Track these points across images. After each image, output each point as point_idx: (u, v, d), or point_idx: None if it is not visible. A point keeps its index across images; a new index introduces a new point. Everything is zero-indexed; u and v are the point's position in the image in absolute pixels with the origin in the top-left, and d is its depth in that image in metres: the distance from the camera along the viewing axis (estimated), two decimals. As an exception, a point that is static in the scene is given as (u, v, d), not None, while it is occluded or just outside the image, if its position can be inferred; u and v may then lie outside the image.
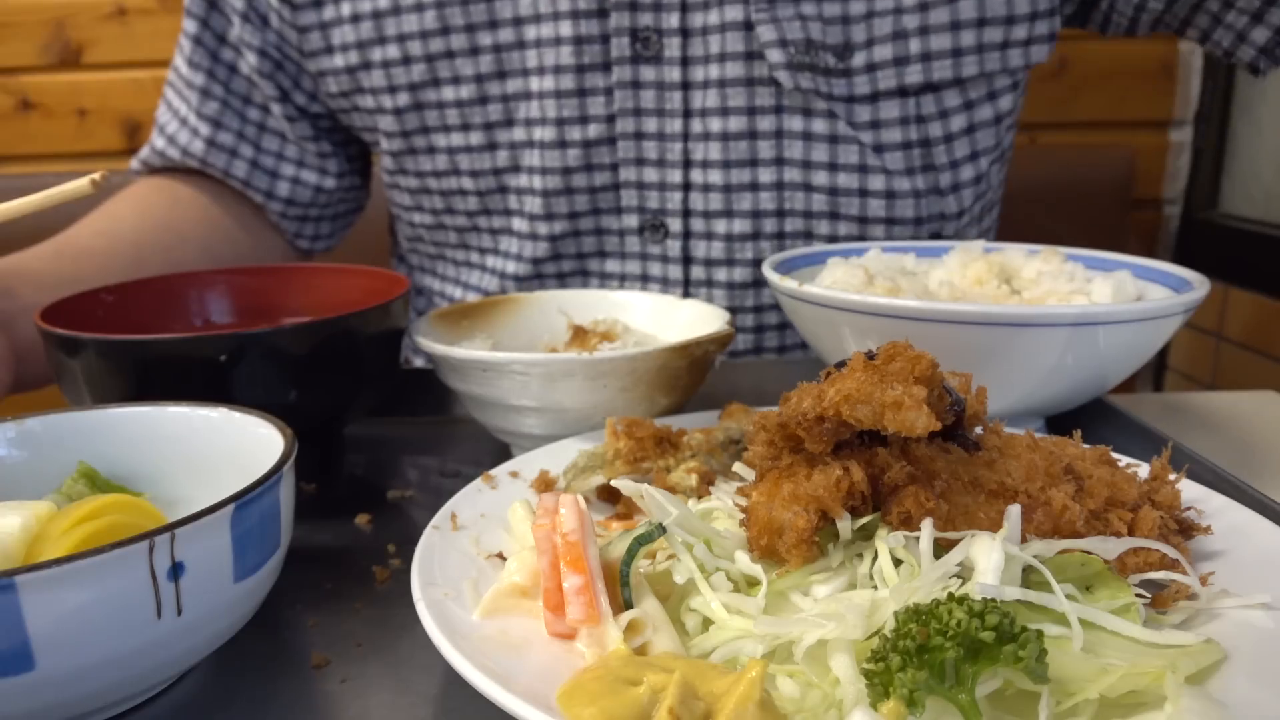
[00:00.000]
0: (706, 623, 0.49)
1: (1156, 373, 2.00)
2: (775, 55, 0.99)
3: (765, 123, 1.03)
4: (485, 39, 1.05)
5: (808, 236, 1.08)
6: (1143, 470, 0.59)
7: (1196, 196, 1.93)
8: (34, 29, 1.91)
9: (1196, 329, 1.87)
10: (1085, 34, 1.14)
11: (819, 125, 1.03)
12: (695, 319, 0.86)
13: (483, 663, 0.43)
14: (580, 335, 0.86)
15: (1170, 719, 0.39)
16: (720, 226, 1.08)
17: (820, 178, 1.05)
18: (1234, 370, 1.79)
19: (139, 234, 1.11)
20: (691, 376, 0.76)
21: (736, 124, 1.04)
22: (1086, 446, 0.57)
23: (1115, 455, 0.57)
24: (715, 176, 1.06)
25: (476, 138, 1.09)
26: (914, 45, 1.00)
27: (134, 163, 1.24)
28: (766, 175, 1.05)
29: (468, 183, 1.13)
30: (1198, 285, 0.75)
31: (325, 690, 0.51)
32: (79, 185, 0.70)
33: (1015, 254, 0.86)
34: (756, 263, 1.10)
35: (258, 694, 0.51)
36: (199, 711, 0.50)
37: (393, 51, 1.07)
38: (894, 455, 0.51)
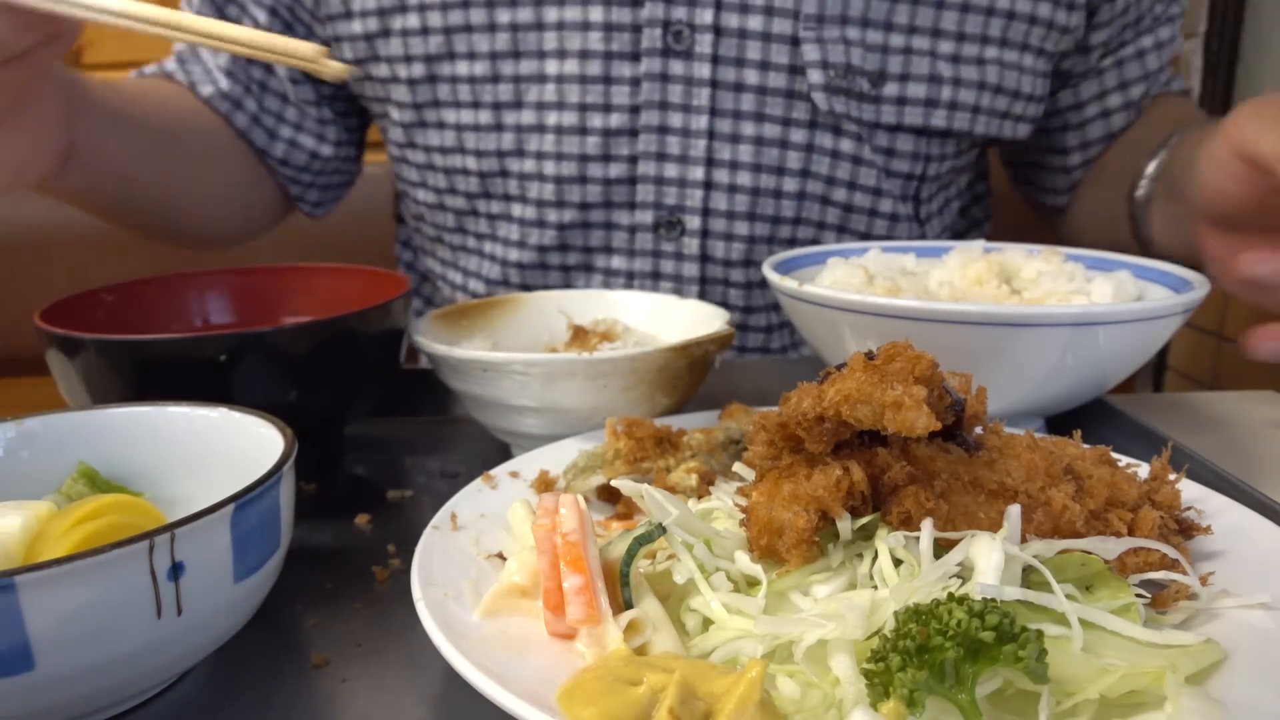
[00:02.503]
0: (706, 623, 0.49)
1: (1156, 373, 2.00)
2: (815, 76, 1.02)
3: (798, 135, 1.06)
4: (503, 16, 1.05)
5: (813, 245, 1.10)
6: (1143, 470, 0.59)
7: (1196, 196, 1.92)
8: (34, 29, 1.91)
9: (1196, 329, 1.87)
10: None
11: (846, 145, 1.08)
12: (695, 319, 0.86)
13: (483, 663, 0.43)
14: (580, 335, 0.86)
15: (1170, 719, 0.39)
16: (743, 228, 1.09)
17: (839, 194, 1.10)
18: (1234, 370, 1.79)
19: (169, 119, 1.12)
20: (692, 376, 0.76)
21: (771, 131, 1.06)
22: (1086, 446, 0.57)
23: (1115, 455, 0.57)
24: (744, 179, 1.07)
25: (485, 116, 1.10)
26: (945, 92, 1.06)
27: (140, 70, 1.21)
28: (791, 184, 1.08)
29: (471, 162, 1.13)
30: (1198, 285, 0.75)
31: (325, 690, 0.51)
32: None
33: (1015, 254, 0.86)
34: None
35: (258, 694, 0.51)
36: (199, 711, 0.50)
37: (412, 21, 1.07)
38: (894, 455, 0.51)
